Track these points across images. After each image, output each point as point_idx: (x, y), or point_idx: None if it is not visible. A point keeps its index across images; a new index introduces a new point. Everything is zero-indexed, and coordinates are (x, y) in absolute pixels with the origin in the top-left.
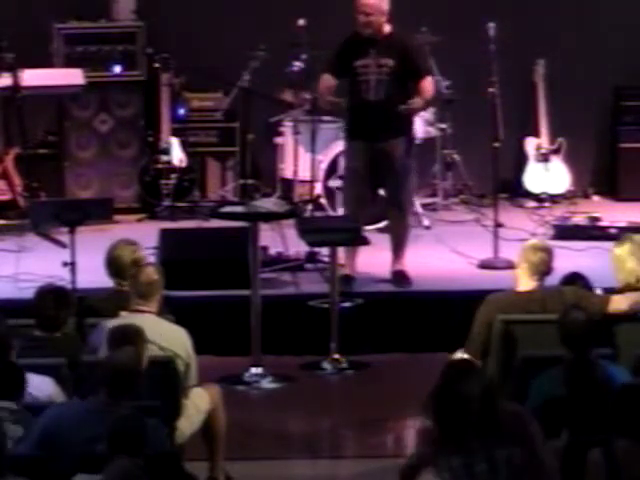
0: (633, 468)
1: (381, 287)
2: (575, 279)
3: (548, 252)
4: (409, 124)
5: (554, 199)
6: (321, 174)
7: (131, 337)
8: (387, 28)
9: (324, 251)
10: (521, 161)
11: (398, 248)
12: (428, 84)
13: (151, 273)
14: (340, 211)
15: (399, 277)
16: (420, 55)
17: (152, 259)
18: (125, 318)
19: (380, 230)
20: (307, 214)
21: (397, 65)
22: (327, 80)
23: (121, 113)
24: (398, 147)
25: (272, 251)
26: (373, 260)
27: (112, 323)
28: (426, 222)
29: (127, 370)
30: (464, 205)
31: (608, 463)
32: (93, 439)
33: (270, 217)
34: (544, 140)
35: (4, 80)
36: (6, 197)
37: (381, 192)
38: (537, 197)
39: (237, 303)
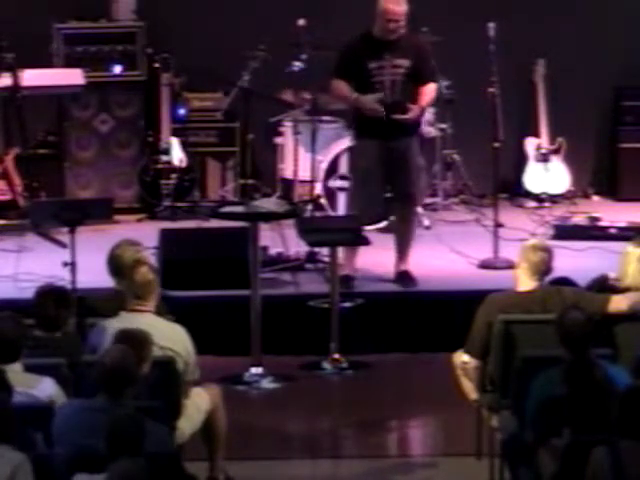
0: (635, 468)
1: (381, 287)
2: (562, 284)
3: (548, 252)
4: (419, 123)
5: (554, 199)
6: (321, 174)
7: (136, 341)
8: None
9: (324, 251)
10: (521, 161)
11: (404, 248)
12: (431, 90)
13: (146, 273)
14: (340, 211)
15: (404, 278)
16: (431, 60)
17: (152, 259)
18: (124, 318)
19: (380, 230)
20: (307, 214)
21: (412, 66)
22: (342, 84)
23: (121, 113)
24: (411, 145)
25: (272, 251)
26: (374, 260)
27: (112, 323)
28: (426, 222)
29: (116, 369)
30: (464, 205)
31: (613, 462)
32: (94, 439)
33: (270, 217)
34: (544, 140)
35: (4, 80)
36: (6, 197)
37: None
38: (537, 197)
39: (237, 303)
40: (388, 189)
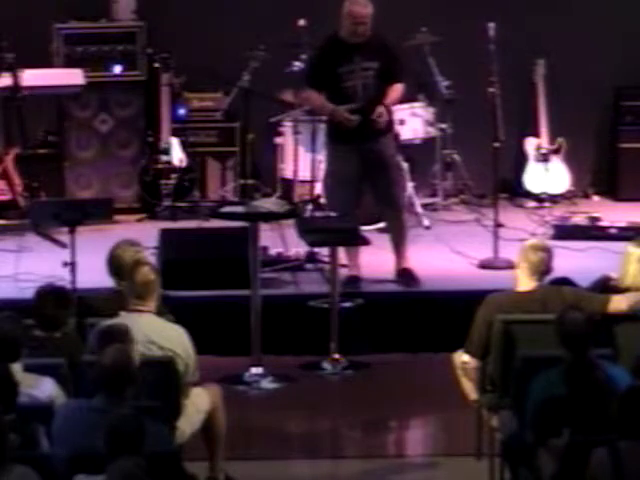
0: (635, 468)
1: (381, 287)
2: (562, 284)
3: (548, 252)
4: (391, 120)
5: (554, 199)
6: (321, 174)
7: (116, 336)
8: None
9: (324, 251)
10: (521, 161)
11: (399, 246)
12: (396, 89)
13: (147, 273)
14: None
15: (406, 276)
16: (400, 59)
17: (152, 259)
18: (124, 318)
19: (380, 230)
20: (307, 214)
21: (380, 67)
22: (315, 95)
23: (121, 113)
24: (387, 144)
25: (272, 251)
26: (374, 260)
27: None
28: (426, 222)
29: (116, 368)
30: (464, 205)
31: (613, 462)
32: (94, 439)
33: (270, 217)
34: (544, 140)
35: (4, 80)
36: (6, 197)
37: (369, 193)
38: (537, 197)
39: (237, 303)
40: (368, 191)
